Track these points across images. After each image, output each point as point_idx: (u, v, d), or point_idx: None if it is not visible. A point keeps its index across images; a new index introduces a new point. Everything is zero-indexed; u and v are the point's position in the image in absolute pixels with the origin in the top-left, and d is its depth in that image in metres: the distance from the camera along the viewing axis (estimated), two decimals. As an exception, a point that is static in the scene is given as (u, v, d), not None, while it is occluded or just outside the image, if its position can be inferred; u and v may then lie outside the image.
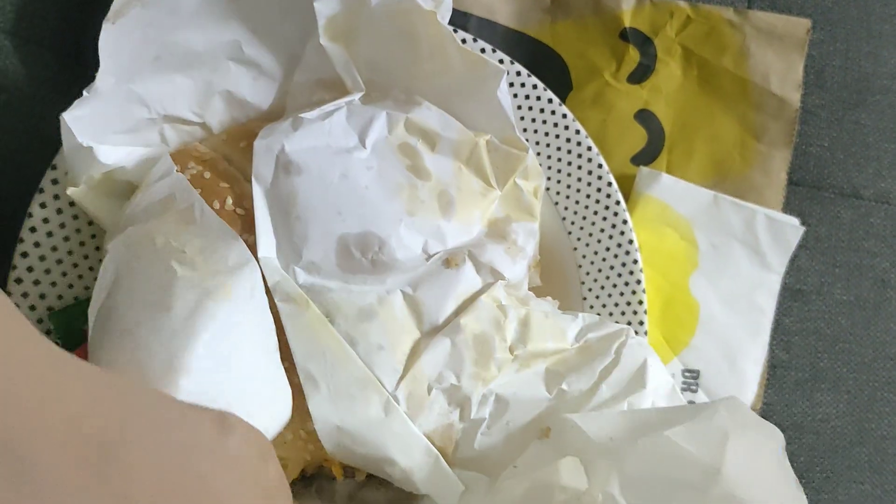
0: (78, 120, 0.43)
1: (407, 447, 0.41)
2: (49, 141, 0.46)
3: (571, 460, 0.40)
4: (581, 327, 0.45)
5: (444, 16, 0.44)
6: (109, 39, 0.42)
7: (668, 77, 0.57)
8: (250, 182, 0.43)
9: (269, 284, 0.41)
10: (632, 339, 0.44)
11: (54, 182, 0.47)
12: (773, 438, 0.38)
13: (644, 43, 0.57)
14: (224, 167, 0.44)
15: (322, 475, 0.44)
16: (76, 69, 0.51)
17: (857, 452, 0.59)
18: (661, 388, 0.43)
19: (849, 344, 0.59)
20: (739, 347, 0.56)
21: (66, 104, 0.43)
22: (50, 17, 0.51)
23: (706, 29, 0.57)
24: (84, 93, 0.43)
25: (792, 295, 0.59)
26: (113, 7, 0.42)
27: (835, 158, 0.59)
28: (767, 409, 0.58)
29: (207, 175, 0.43)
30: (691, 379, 0.56)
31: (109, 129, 0.45)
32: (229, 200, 0.43)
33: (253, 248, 0.41)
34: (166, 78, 0.46)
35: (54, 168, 0.47)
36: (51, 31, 0.51)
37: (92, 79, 0.43)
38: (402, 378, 0.41)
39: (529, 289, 0.48)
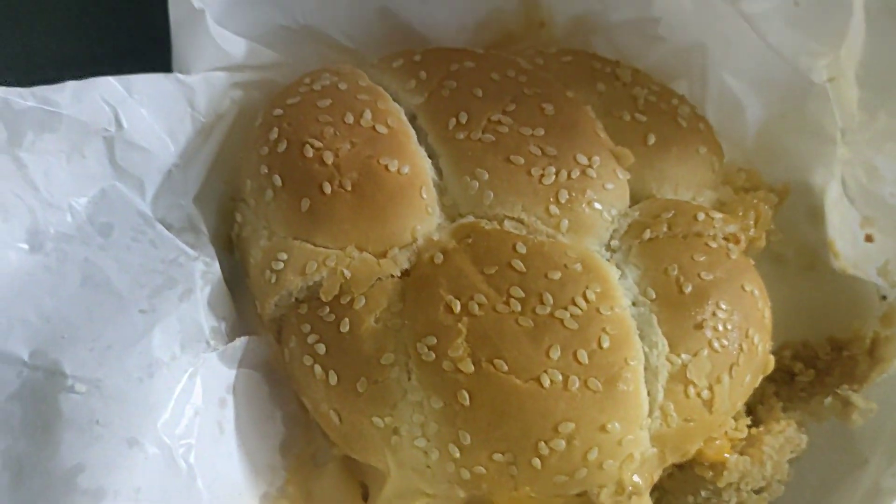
0: None
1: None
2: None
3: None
4: None
5: None
6: None
7: None
8: (399, 102, 0.32)
9: None
10: None
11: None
12: None
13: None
14: (367, 83, 0.33)
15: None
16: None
17: None
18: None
19: None
20: None
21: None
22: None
23: None
24: None
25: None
26: None
27: None
28: None
29: (343, 86, 0.32)
30: None
31: (234, 26, 0.35)
32: (367, 114, 0.31)
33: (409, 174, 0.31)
34: None
35: None
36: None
37: None
38: None
39: None
